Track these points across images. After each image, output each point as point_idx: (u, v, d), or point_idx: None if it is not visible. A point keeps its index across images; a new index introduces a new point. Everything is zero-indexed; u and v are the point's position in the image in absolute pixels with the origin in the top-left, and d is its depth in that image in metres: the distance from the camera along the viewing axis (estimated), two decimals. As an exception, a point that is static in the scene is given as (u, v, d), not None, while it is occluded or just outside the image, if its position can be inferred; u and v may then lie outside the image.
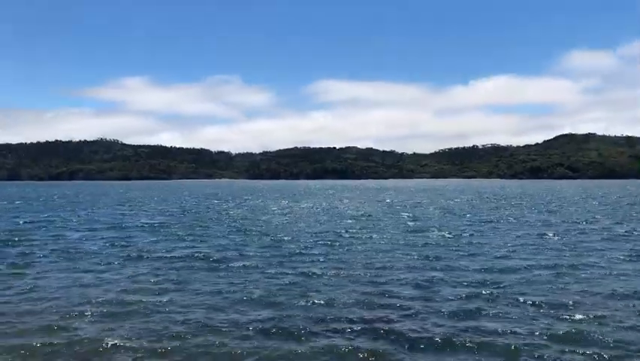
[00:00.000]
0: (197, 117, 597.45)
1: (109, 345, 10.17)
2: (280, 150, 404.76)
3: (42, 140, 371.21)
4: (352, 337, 10.66)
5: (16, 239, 25.24)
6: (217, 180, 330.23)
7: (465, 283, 15.07)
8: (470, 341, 10.29)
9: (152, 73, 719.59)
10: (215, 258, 19.52)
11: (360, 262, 18.67)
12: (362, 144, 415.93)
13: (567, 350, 9.85)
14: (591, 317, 11.74)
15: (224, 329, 11.12)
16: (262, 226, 31.13)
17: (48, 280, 15.90)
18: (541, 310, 12.32)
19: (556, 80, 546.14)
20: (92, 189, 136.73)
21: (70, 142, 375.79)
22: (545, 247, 22.00)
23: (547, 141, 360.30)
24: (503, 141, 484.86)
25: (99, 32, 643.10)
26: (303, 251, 21.12)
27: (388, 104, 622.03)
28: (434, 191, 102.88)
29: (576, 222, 33.89)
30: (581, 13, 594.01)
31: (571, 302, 12.88)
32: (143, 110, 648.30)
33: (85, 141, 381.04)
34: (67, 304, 13.15)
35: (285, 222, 34.41)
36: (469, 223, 33.37)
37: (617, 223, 32.68)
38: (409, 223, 32.98)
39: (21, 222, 35.44)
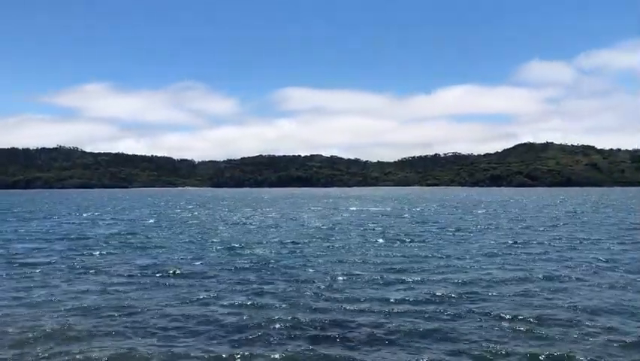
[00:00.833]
0: (160, 124, 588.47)
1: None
2: (244, 157, 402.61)
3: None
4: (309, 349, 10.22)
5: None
6: (180, 188, 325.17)
7: (432, 295, 14.74)
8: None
9: (113, 79, 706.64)
10: (169, 272, 18.70)
11: (322, 273, 18.18)
12: (327, 152, 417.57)
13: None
14: (556, 328, 11.58)
15: (179, 347, 10.46)
16: (221, 237, 30.30)
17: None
18: (507, 323, 12.08)
19: (516, 90, 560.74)
20: (49, 197, 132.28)
21: (27, 149, 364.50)
22: (514, 257, 21.98)
23: (507, 149, 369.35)
24: (465, 149, 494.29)
25: (58, 36, 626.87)
26: (262, 263, 20.50)
27: (353, 113, 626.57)
28: (399, 199, 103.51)
29: (540, 230, 34.27)
30: (539, 25, 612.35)
31: (535, 313, 12.72)
32: (103, 117, 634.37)
33: (43, 148, 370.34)
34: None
35: (245, 232, 33.66)
36: (436, 232, 33.40)
37: (582, 231, 33.16)
38: (375, 232, 32.71)
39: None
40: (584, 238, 28.99)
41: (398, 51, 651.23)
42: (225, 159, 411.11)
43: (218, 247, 25.37)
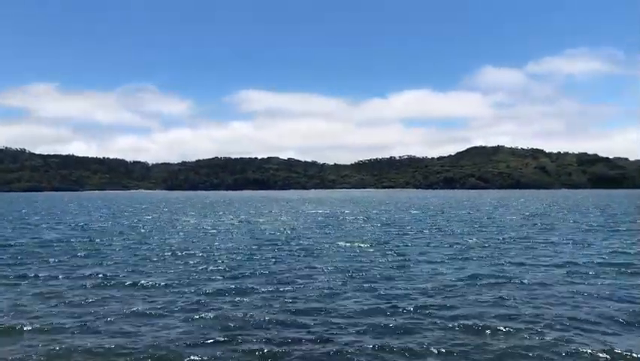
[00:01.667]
0: (112, 126, 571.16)
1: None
2: (200, 160, 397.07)
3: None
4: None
5: None
6: (133, 191, 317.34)
7: (389, 302, 14.32)
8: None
9: (62, 79, 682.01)
10: (111, 282, 17.60)
11: (277, 281, 17.52)
12: (284, 155, 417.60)
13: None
14: (514, 330, 11.35)
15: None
16: (170, 243, 29.11)
17: None
18: (462, 328, 11.76)
19: (469, 95, 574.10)
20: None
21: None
22: (473, 258, 21.93)
23: (460, 153, 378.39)
24: (419, 152, 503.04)
25: (3, 35, 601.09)
26: (212, 270, 19.63)
27: (310, 115, 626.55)
28: (356, 201, 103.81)
29: (494, 231, 34.67)
30: (492, 32, 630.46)
31: (491, 315, 12.48)
32: (53, 118, 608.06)
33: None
34: None
35: (197, 238, 32.57)
36: (397, 234, 33.28)
37: (538, 234, 33.70)
38: (331, 235, 32.27)
39: None
40: (542, 241, 29.42)
41: (355, 55, 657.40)
42: (180, 162, 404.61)
43: (166, 254, 24.24)
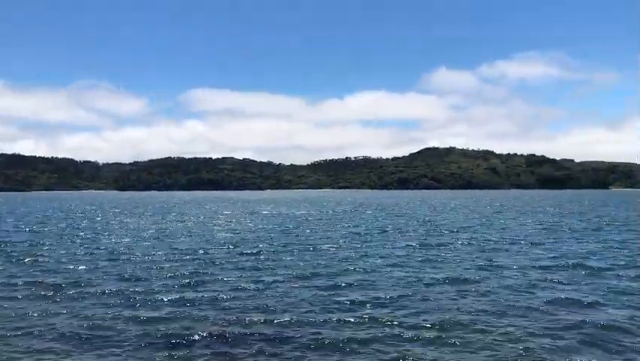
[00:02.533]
0: (61, 125, 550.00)
1: None
2: (153, 159, 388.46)
3: None
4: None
5: None
6: (83, 191, 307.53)
7: (339, 302, 14.41)
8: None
9: (8, 77, 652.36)
10: (53, 288, 17.02)
11: (230, 286, 17.35)
12: (239, 155, 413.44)
13: None
14: (460, 333, 11.62)
15: None
16: (116, 247, 28.30)
17: None
18: (412, 330, 11.97)
19: (424, 97, 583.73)
20: None
21: None
22: (433, 259, 22.29)
23: (414, 154, 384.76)
24: (375, 153, 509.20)
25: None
26: (164, 273, 19.26)
27: (267, 115, 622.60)
28: (312, 202, 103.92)
29: (452, 231, 35.36)
30: (447, 34, 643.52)
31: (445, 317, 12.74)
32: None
33: None
34: None
35: (147, 241, 31.83)
36: (355, 234, 33.49)
37: (490, 234, 34.57)
38: (292, 237, 32.19)
39: None
40: (494, 240, 30.21)
41: (313, 55, 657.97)
42: (132, 161, 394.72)
43: (112, 259, 23.60)
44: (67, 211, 70.06)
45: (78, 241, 31.11)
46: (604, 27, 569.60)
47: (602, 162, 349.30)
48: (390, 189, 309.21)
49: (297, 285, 17.06)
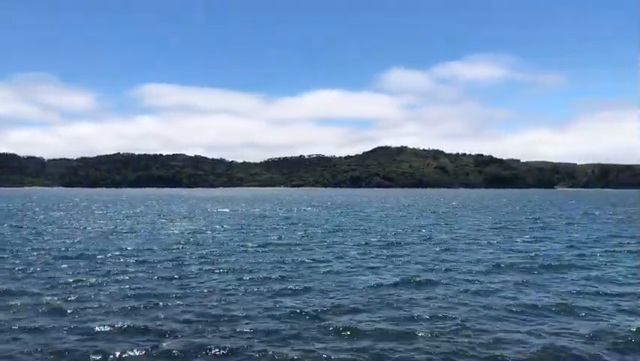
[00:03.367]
0: (4, 119, 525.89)
1: None
2: (101, 156, 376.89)
3: None
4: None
5: None
6: (27, 188, 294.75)
7: (287, 304, 13.77)
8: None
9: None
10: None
11: (175, 285, 16.39)
12: (191, 152, 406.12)
13: None
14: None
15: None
16: (52, 249, 26.53)
17: None
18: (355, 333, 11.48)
19: (377, 96, 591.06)
20: None
21: None
22: (388, 260, 21.95)
23: (366, 152, 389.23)
24: (328, 152, 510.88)
25: None
26: (109, 275, 18.07)
27: (220, 112, 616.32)
28: (266, 200, 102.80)
29: (406, 231, 35.31)
30: (402, 35, 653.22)
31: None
32: None
33: None
34: None
35: (88, 242, 30.19)
36: (309, 235, 32.90)
37: (440, 232, 34.70)
38: (245, 237, 31.28)
39: None
40: (449, 240, 30.29)
41: (268, 53, 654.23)
42: (79, 157, 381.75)
43: (47, 262, 22.15)
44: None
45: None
46: (551, 29, 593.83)
47: (547, 162, 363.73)
48: (343, 187, 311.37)
49: (249, 287, 16.32)
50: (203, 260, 21.71)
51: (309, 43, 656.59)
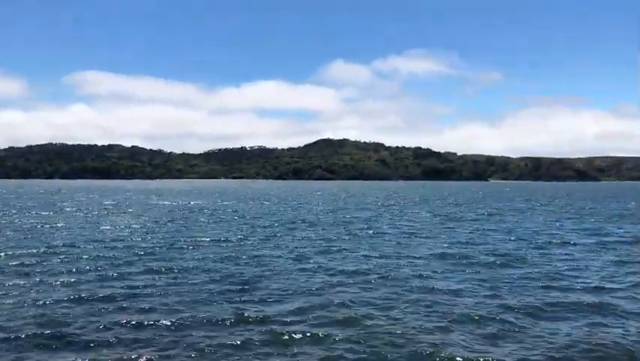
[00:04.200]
0: None
1: None
2: (32, 145, 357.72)
3: None
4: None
5: None
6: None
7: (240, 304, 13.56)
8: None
9: None
10: None
11: (120, 292, 15.79)
12: (128, 142, 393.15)
13: None
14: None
15: None
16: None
17: None
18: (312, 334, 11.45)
19: (319, 89, 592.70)
20: None
21: None
22: (332, 251, 21.97)
23: (309, 145, 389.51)
24: (270, 143, 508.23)
25: None
26: (40, 271, 17.17)
27: (158, 101, 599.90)
28: (206, 193, 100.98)
29: (349, 222, 35.58)
30: (344, 28, 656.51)
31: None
32: None
33: None
34: None
35: (14, 238, 28.69)
36: (257, 226, 32.60)
37: (390, 225, 35.18)
38: (178, 233, 30.55)
39: None
40: (391, 232, 30.73)
41: (209, 42, 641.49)
42: (7, 147, 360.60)
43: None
44: None
45: None
46: (491, 28, 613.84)
47: (481, 156, 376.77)
48: (286, 179, 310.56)
49: (197, 283, 15.96)
50: (137, 258, 21.03)
51: (250, 33, 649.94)
